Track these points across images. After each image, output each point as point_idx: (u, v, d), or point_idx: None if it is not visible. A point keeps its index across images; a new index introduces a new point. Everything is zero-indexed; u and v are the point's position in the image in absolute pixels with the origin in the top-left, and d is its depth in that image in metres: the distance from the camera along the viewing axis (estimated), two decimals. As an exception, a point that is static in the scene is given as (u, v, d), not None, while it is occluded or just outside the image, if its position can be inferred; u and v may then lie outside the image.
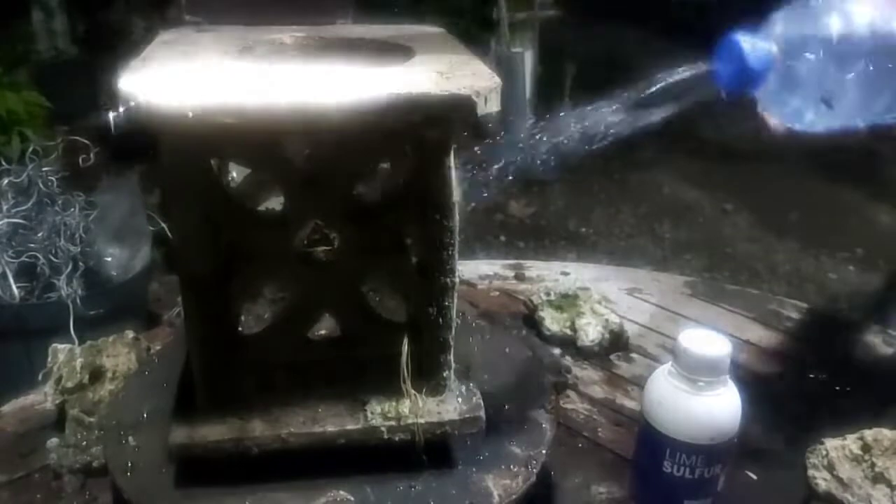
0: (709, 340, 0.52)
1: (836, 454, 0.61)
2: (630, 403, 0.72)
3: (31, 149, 1.51)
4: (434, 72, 0.45)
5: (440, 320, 0.50)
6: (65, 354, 0.67)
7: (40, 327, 1.35)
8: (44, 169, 1.50)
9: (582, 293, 0.84)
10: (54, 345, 0.69)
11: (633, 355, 0.81)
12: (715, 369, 0.51)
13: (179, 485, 0.49)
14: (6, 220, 1.44)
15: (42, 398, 0.68)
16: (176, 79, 0.42)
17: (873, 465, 0.60)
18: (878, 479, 0.59)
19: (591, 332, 0.81)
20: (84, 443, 0.62)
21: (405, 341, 0.50)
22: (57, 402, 0.65)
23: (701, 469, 0.52)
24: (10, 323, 1.43)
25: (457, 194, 0.48)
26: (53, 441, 0.63)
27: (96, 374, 0.66)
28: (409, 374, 0.50)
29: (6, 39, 1.87)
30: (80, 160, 1.54)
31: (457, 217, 0.48)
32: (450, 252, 0.48)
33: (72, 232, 1.49)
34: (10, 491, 0.61)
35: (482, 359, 0.63)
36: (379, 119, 0.41)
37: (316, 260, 0.49)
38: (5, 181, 1.46)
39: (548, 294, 0.84)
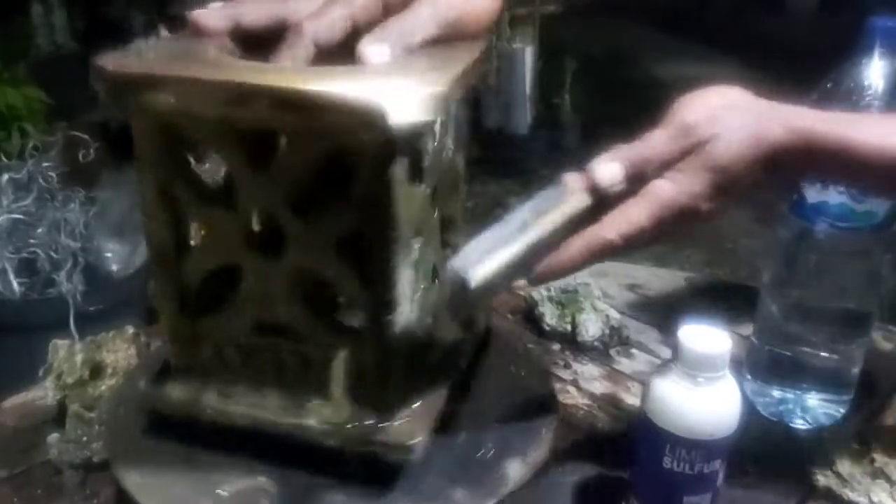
0: (709, 336, 0.52)
1: (836, 449, 0.61)
2: (630, 399, 0.72)
3: (30, 144, 1.51)
4: (378, 72, 0.44)
5: (381, 335, 0.47)
6: (65, 350, 0.67)
7: (40, 323, 1.36)
8: (44, 164, 1.50)
9: (582, 289, 0.84)
10: (54, 340, 0.69)
11: (634, 351, 0.81)
12: (715, 365, 0.51)
13: (145, 434, 0.53)
14: (6, 216, 1.44)
15: (42, 394, 0.68)
16: (144, 56, 0.45)
17: (873, 460, 0.60)
18: (877, 474, 0.59)
19: (591, 327, 0.81)
20: (84, 438, 0.62)
21: (344, 347, 0.49)
22: (57, 397, 0.65)
23: (701, 464, 0.52)
24: (10, 319, 1.43)
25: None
26: (54, 436, 0.63)
27: (96, 370, 0.66)
28: (346, 382, 0.49)
29: (6, 34, 1.87)
30: (80, 156, 1.54)
31: (406, 231, 0.45)
32: (393, 266, 0.45)
33: (72, 228, 1.49)
34: (11, 486, 0.61)
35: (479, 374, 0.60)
36: (288, 114, 0.42)
37: (267, 249, 0.48)
38: (5, 177, 1.46)
39: (548, 290, 0.84)
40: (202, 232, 0.49)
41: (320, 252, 0.46)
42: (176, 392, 0.52)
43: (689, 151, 0.48)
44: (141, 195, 0.48)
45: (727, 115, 0.49)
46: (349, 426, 0.49)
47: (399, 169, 0.43)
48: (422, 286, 0.50)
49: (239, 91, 0.42)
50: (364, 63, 0.45)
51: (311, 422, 0.49)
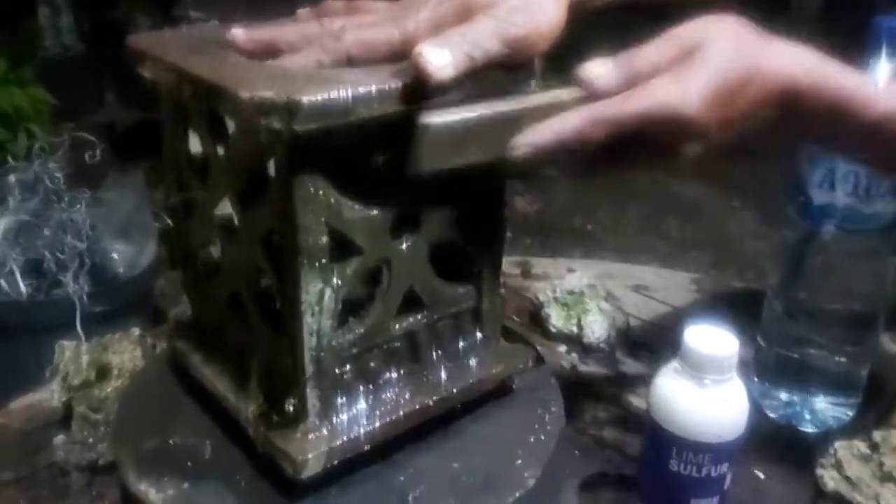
0: (715, 338, 0.52)
1: (844, 453, 0.61)
2: (636, 401, 0.72)
3: (37, 146, 1.52)
4: (316, 77, 0.42)
5: (291, 340, 0.46)
6: (71, 351, 0.68)
7: (47, 324, 1.36)
8: (50, 166, 1.51)
9: (588, 290, 0.84)
10: (61, 342, 0.69)
11: (640, 353, 0.80)
12: (721, 367, 0.51)
13: (169, 363, 0.58)
14: (12, 217, 1.44)
15: (48, 395, 0.68)
16: (162, 35, 0.49)
17: (881, 464, 0.59)
18: (886, 478, 0.59)
19: (597, 329, 0.80)
20: (90, 440, 0.62)
21: (264, 341, 0.48)
22: (63, 399, 0.65)
23: (708, 467, 0.52)
24: (16, 320, 1.44)
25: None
26: (60, 438, 0.63)
27: (102, 372, 0.66)
28: (260, 377, 0.49)
29: (13, 36, 1.88)
30: (86, 157, 1.54)
31: (312, 242, 0.43)
32: (294, 274, 0.43)
33: (78, 229, 1.49)
34: (17, 488, 0.61)
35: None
36: (207, 100, 0.43)
37: (233, 233, 0.49)
38: (11, 178, 1.47)
39: (554, 291, 0.84)
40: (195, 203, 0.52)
41: (254, 244, 0.46)
42: (180, 343, 0.55)
43: (683, 57, 0.45)
44: (164, 158, 0.52)
45: (726, 29, 0.46)
46: (260, 422, 0.48)
47: (307, 176, 0.42)
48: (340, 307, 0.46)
49: (175, 73, 0.44)
50: (421, 68, 0.41)
51: (242, 408, 0.49)
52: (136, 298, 1.56)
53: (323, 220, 0.43)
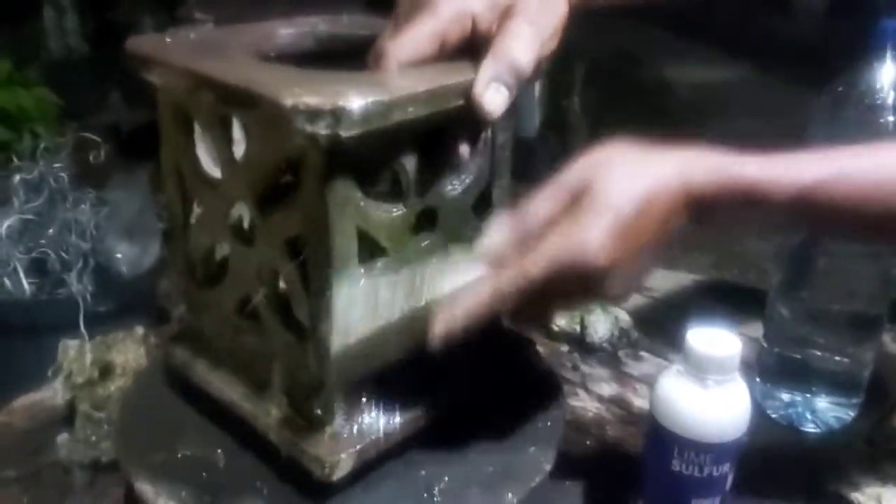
0: (718, 339, 0.52)
1: (846, 454, 0.61)
2: (639, 401, 0.72)
3: (41, 146, 1.52)
4: (348, 80, 0.42)
5: (317, 344, 0.46)
6: (75, 350, 0.68)
7: (50, 323, 1.36)
8: (54, 166, 1.51)
9: (591, 291, 0.84)
10: (64, 340, 0.69)
11: (642, 353, 0.80)
12: (724, 367, 0.51)
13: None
14: (17, 217, 1.44)
15: (52, 394, 0.69)
16: (166, 38, 0.49)
17: (882, 463, 0.59)
18: (887, 478, 0.59)
19: (600, 329, 0.81)
20: (93, 438, 0.62)
21: (287, 346, 0.48)
22: (67, 397, 0.65)
23: (709, 468, 0.52)
24: (20, 319, 1.44)
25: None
26: (63, 437, 0.63)
27: (106, 370, 0.66)
28: (284, 382, 0.49)
29: (18, 37, 1.88)
30: (91, 157, 1.54)
31: (344, 245, 0.43)
32: (325, 278, 0.43)
33: (82, 228, 1.49)
34: (20, 486, 0.61)
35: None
36: (232, 106, 0.43)
37: (246, 238, 0.49)
38: (16, 178, 1.47)
39: (556, 292, 0.84)
40: (199, 209, 0.51)
41: (275, 248, 0.46)
42: (179, 351, 0.55)
43: (575, 203, 0.45)
44: (162, 167, 0.51)
45: (610, 161, 0.46)
46: (284, 427, 0.48)
47: (340, 180, 0.42)
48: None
49: (193, 79, 0.43)
50: (479, 109, 0.44)
51: (261, 414, 0.49)
52: (139, 298, 1.56)
53: (354, 223, 0.43)
